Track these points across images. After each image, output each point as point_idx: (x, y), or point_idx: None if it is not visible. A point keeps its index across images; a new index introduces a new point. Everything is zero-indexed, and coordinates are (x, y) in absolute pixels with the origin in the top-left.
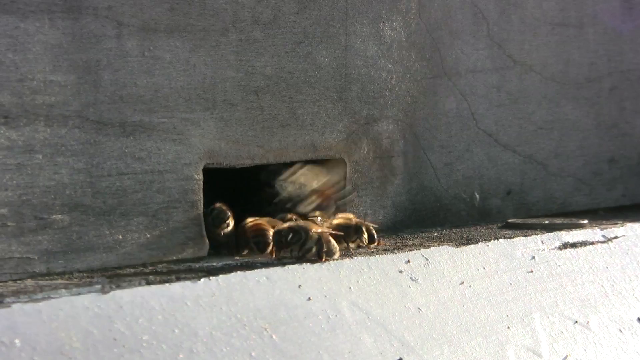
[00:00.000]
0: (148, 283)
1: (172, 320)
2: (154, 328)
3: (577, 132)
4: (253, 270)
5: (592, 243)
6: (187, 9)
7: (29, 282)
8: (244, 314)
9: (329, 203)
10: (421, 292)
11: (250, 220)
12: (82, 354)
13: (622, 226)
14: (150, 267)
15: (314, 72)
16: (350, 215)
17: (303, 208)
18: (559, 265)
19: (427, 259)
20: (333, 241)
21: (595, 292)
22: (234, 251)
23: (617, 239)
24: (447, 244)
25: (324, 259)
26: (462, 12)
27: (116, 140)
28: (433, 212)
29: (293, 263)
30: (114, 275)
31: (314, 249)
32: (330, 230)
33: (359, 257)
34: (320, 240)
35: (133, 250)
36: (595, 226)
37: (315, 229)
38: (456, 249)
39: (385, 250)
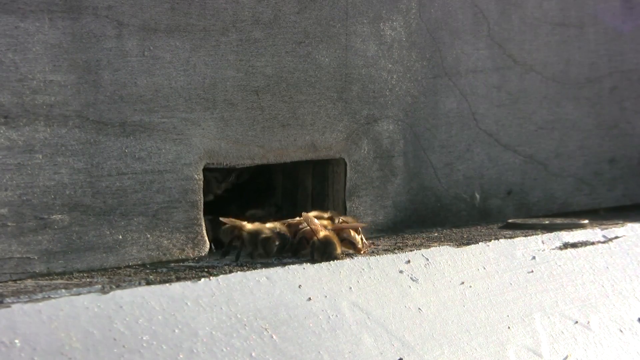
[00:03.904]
0: (148, 283)
1: (172, 320)
2: (154, 328)
3: (578, 132)
4: (253, 270)
5: (593, 243)
6: (187, 9)
7: (29, 282)
8: (244, 314)
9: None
10: (422, 292)
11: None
12: (82, 354)
13: (623, 226)
14: (150, 267)
15: (315, 72)
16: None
17: None
18: (560, 266)
19: (427, 259)
20: (335, 243)
21: (596, 292)
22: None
23: (618, 239)
24: (447, 244)
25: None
26: (463, 12)
27: (116, 140)
28: (433, 212)
29: (293, 263)
30: (114, 275)
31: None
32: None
33: (359, 257)
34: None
35: (133, 250)
36: (596, 226)
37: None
38: (456, 249)
39: (386, 250)
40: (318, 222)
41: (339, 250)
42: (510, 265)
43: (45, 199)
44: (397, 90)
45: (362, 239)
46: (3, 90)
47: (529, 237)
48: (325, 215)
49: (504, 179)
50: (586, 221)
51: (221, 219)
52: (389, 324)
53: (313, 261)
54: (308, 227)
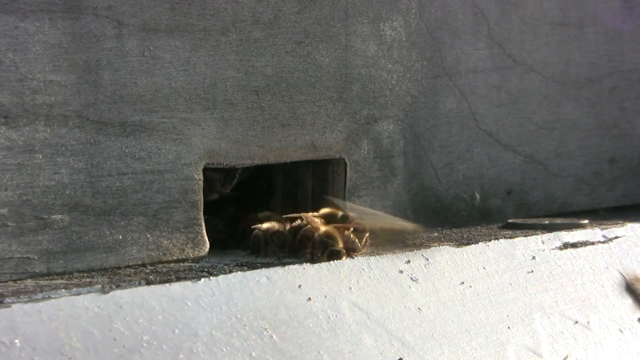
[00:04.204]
0: (148, 283)
1: (172, 320)
2: (154, 328)
3: (578, 132)
4: (253, 270)
5: (593, 243)
6: (187, 9)
7: (29, 282)
8: (244, 314)
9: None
10: (421, 292)
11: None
12: (82, 354)
13: (623, 226)
14: (150, 267)
15: (315, 72)
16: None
17: None
18: (560, 266)
19: (427, 259)
20: (336, 237)
21: (596, 292)
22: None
23: (618, 239)
24: (447, 244)
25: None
26: (463, 12)
27: (116, 140)
28: (433, 212)
29: (293, 263)
30: (114, 275)
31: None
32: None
33: (359, 257)
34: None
35: (133, 250)
36: (596, 226)
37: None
38: (456, 249)
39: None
40: (318, 220)
41: (340, 244)
42: (510, 265)
43: (45, 199)
44: (397, 90)
45: (366, 238)
46: (3, 90)
47: (528, 237)
48: (340, 213)
49: (504, 179)
50: (586, 221)
51: (287, 216)
52: (389, 324)
53: (313, 261)
54: (308, 226)
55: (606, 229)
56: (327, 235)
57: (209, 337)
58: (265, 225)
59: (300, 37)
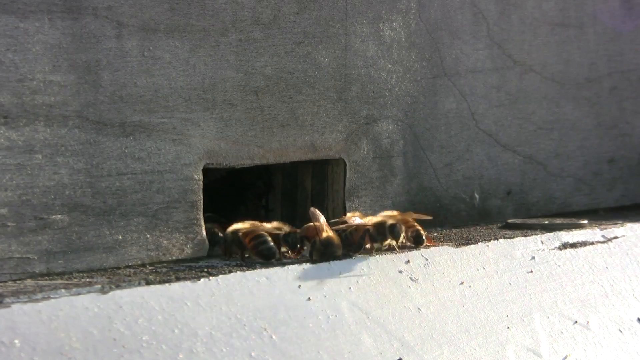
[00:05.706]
0: (148, 283)
1: (171, 321)
2: (153, 328)
3: (577, 132)
4: (253, 270)
5: (592, 243)
6: (187, 9)
7: (29, 282)
8: (243, 314)
9: None
10: (421, 292)
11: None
12: (81, 354)
13: (622, 226)
14: (149, 267)
15: (314, 72)
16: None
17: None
18: (559, 266)
19: (427, 259)
20: (336, 245)
21: (595, 292)
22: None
23: (617, 239)
24: (447, 244)
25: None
26: (462, 12)
27: (116, 141)
28: (433, 212)
29: (293, 263)
30: (114, 275)
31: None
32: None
33: (359, 257)
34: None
35: (133, 250)
36: (595, 226)
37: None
38: (456, 249)
39: (385, 250)
40: (323, 221)
41: (339, 253)
42: (510, 265)
43: (45, 199)
44: (396, 90)
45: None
46: (3, 90)
47: (528, 237)
48: (389, 222)
49: (503, 179)
50: (585, 221)
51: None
52: (388, 324)
53: (313, 261)
54: (311, 225)
55: (605, 229)
56: (328, 241)
57: (209, 337)
58: (236, 226)
59: (299, 37)
